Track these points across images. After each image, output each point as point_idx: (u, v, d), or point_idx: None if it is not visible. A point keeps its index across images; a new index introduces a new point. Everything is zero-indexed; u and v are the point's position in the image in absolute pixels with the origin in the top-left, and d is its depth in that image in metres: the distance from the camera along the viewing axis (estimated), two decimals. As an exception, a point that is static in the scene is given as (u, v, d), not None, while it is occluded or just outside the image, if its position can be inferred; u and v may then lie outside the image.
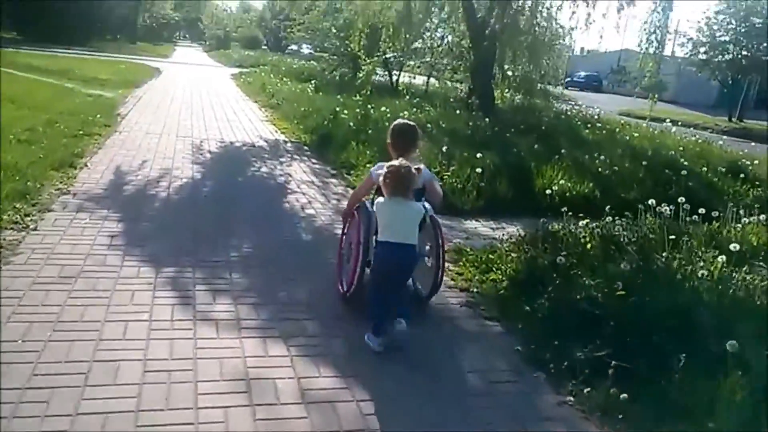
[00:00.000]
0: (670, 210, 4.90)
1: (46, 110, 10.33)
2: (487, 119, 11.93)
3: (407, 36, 13.00)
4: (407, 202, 3.52)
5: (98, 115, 10.27)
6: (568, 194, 7.19)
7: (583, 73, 50.96)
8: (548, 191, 7.01)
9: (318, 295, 4.08)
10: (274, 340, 3.38)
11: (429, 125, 10.32)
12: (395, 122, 4.26)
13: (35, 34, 34.08)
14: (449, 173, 7.29)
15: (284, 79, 20.86)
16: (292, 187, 7.21)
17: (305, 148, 10.09)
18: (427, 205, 3.78)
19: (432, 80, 20.17)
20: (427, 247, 4.03)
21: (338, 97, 15.26)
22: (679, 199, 5.00)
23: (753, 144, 16.07)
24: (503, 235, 5.76)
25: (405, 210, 3.51)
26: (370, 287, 3.67)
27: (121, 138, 8.94)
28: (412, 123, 4.23)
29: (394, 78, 20.92)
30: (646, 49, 12.60)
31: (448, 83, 18.96)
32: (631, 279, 3.84)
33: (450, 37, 14.47)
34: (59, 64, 20.14)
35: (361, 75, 14.46)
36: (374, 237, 3.75)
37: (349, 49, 21.36)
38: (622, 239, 4.65)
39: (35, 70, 18.56)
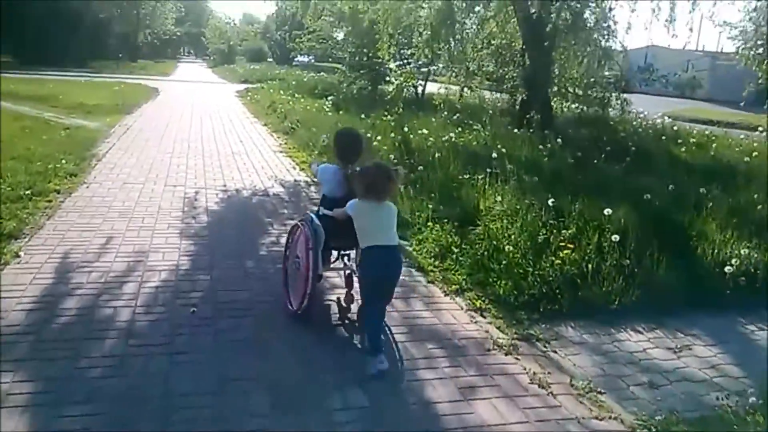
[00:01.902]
0: None
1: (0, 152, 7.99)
2: (559, 140, 9.43)
3: (448, 39, 10.51)
4: (385, 203, 3.44)
5: (64, 160, 7.88)
6: (758, 272, 4.66)
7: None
8: (727, 267, 4.52)
9: None
10: None
11: (494, 157, 7.83)
12: (339, 131, 4.20)
13: (31, 56, 32.19)
14: (572, 245, 4.77)
15: (296, 95, 18.48)
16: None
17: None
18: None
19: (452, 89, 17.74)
20: None
21: (362, 116, 12.85)
22: None
23: None
24: (706, 368, 3.33)
25: (384, 212, 3.44)
26: (364, 301, 3.54)
27: (86, 195, 6.52)
28: (355, 131, 4.24)
29: (419, 89, 18.51)
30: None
31: (486, 93, 16.48)
32: None
33: (497, 39, 11.91)
34: (45, 90, 17.96)
35: (389, 89, 12.00)
36: (319, 249, 3.64)
37: (367, 59, 19.15)
38: None
39: (15, 98, 16.37)
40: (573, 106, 13.50)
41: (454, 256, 5.06)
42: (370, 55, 18.71)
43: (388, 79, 19.36)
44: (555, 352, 3.69)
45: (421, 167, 7.50)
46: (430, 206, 6.09)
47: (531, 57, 11.28)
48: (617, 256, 4.65)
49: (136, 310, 3.77)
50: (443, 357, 3.49)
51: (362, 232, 3.40)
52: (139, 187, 7.09)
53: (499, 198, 6.02)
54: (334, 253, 4.04)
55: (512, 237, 5.08)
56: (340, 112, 13.60)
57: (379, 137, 9.69)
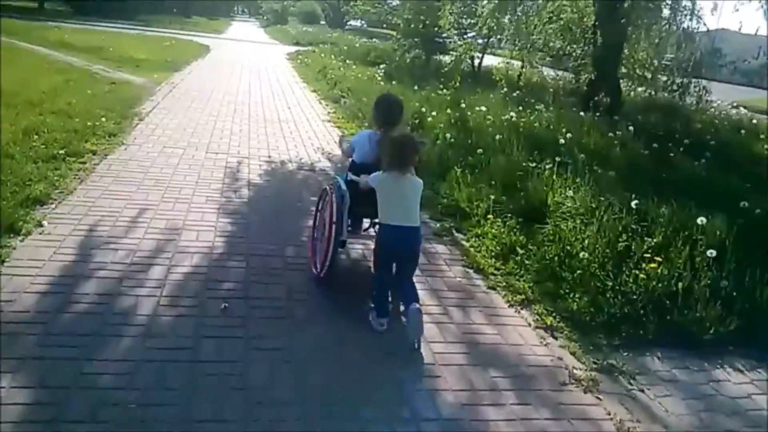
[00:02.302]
0: None
1: (42, 105, 7.72)
2: (630, 128, 8.61)
3: (515, 10, 9.68)
4: (410, 178, 3.34)
5: (105, 118, 7.52)
6: None
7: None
8: None
9: None
10: None
11: (562, 143, 7.11)
12: (381, 96, 4.07)
13: (85, 6, 32.30)
14: (659, 258, 4.10)
15: (347, 61, 17.82)
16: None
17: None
18: None
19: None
20: None
21: (415, 88, 12.17)
22: None
23: None
24: None
25: (408, 187, 3.33)
26: (376, 269, 3.51)
27: (122, 159, 6.13)
28: (396, 97, 4.09)
29: (476, 62, 17.62)
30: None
31: (548, 71, 15.50)
32: None
33: (566, 13, 10.97)
34: (95, 41, 17.78)
35: (446, 61, 11.22)
36: (344, 214, 3.61)
37: (422, 27, 18.29)
38: None
39: (66, 47, 16.31)
40: (639, 89, 12.51)
41: (519, 257, 4.47)
42: (427, 22, 17.90)
43: (444, 49, 18.54)
44: (642, 391, 3.10)
45: (480, 150, 6.85)
46: (491, 196, 5.47)
47: (603, 35, 10.35)
48: (713, 275, 3.98)
49: (161, 302, 3.33)
50: (510, 390, 2.94)
51: (383, 207, 3.33)
52: (180, 152, 6.67)
53: (570, 192, 5.37)
54: (366, 221, 4.04)
55: (587, 241, 4.45)
56: (393, 83, 12.93)
57: (434, 113, 9.04)
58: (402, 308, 3.34)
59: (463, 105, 9.59)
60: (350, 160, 3.89)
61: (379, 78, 14.46)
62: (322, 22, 53.97)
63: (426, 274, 4.19)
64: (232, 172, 6.16)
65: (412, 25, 18.13)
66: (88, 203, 4.72)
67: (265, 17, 55.50)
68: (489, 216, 5.22)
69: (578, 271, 4.09)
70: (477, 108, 9.64)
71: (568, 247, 4.37)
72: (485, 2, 10.55)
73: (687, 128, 9.88)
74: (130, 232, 4.26)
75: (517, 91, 12.12)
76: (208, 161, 6.43)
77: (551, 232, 4.71)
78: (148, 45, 19.30)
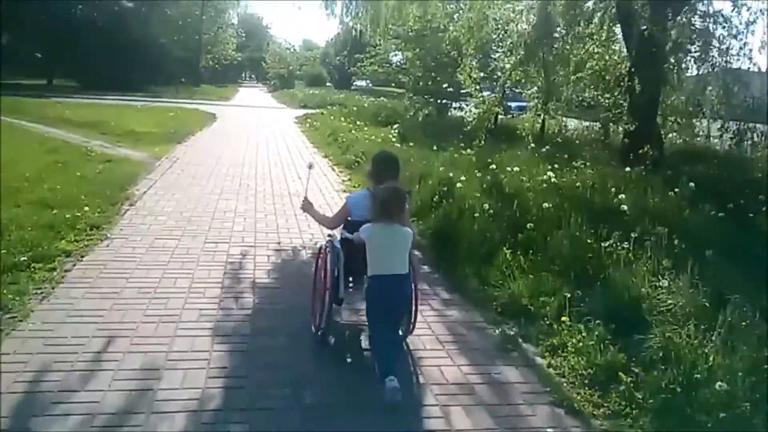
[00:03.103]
0: None
1: (20, 194, 6.78)
2: (691, 184, 7.47)
3: (545, 59, 8.74)
4: (398, 227, 3.33)
5: (89, 207, 6.50)
6: None
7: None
8: None
9: None
10: None
11: (624, 209, 5.99)
12: (377, 153, 4.50)
13: (94, 81, 32.37)
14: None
15: (357, 122, 17.02)
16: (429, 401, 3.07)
17: (416, 254, 5.91)
18: None
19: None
20: None
21: (434, 148, 11.20)
22: None
23: None
24: None
25: (396, 236, 3.33)
26: (370, 327, 3.42)
27: (101, 260, 5.05)
28: (392, 153, 4.40)
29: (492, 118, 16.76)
30: None
31: (570, 122, 14.57)
32: None
33: (597, 60, 10.02)
34: (96, 115, 17.17)
35: (469, 118, 10.27)
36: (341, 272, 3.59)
37: (432, 83, 17.57)
38: None
39: (64, 123, 15.71)
40: (671, 135, 11.45)
41: (624, 387, 3.25)
42: (438, 79, 17.19)
43: (457, 105, 17.77)
44: None
45: (530, 225, 5.72)
46: (563, 290, 4.30)
47: (642, 81, 9.36)
48: None
49: None
50: None
51: (371, 258, 3.32)
52: (173, 245, 5.59)
53: (664, 282, 4.19)
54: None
55: (715, 361, 3.24)
56: (410, 144, 11.96)
57: (462, 177, 7.96)
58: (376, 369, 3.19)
59: (493, 166, 8.53)
60: (348, 219, 3.79)
61: (394, 139, 13.54)
62: (328, 84, 54.37)
63: (499, 419, 2.99)
64: (234, 270, 5.04)
65: (421, 83, 17.42)
66: (44, 333, 3.60)
67: (272, 82, 55.98)
68: (564, 318, 4.04)
69: (719, 413, 2.87)
70: (507, 168, 8.60)
71: (695, 373, 3.16)
72: (508, 54, 9.63)
73: (744, 178, 8.74)
74: (91, 380, 3.11)
75: (546, 147, 11.11)
76: (205, 256, 5.33)
77: (659, 345, 3.50)
78: (151, 117, 18.70)
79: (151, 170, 9.69)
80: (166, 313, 4.01)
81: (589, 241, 5.23)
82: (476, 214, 6.30)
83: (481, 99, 9.82)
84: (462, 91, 18.23)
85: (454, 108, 17.63)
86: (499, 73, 10.29)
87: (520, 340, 4.00)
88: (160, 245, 5.54)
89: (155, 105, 24.00)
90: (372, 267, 3.31)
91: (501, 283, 4.81)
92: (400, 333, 3.60)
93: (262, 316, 4.14)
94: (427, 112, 17.00)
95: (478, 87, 10.45)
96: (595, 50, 9.67)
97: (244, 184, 8.97)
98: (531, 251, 5.26)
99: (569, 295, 4.23)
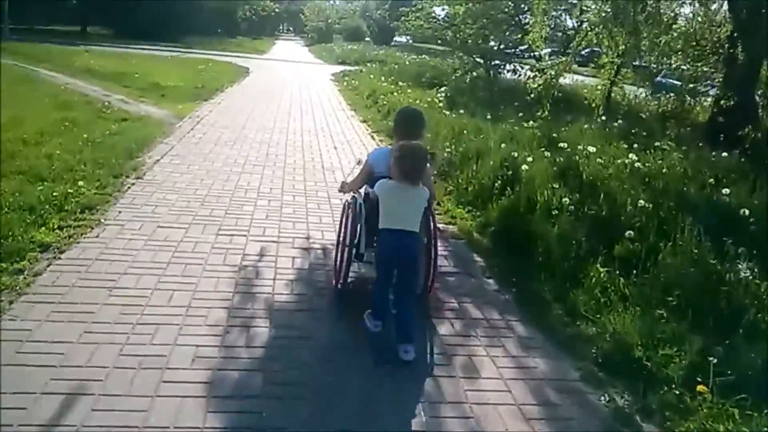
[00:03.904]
0: None
1: (12, 160, 5.81)
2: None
3: (634, 22, 7.26)
4: (414, 187, 3.28)
5: (84, 181, 5.47)
6: None
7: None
8: None
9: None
10: None
11: (746, 213, 4.68)
12: (401, 108, 4.45)
13: (127, 29, 31.46)
14: None
15: (399, 83, 15.62)
16: None
17: (476, 260, 4.75)
18: None
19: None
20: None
21: (488, 117, 9.87)
22: None
23: None
24: None
25: (410, 195, 3.28)
26: (377, 277, 3.39)
27: (84, 258, 3.99)
28: (418, 109, 4.30)
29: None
30: None
31: (631, 91, 12.93)
32: None
33: (692, 25, 8.45)
34: (123, 66, 16.21)
35: (533, 84, 8.86)
36: (363, 227, 3.57)
37: (483, 41, 16.01)
38: None
39: (89, 74, 14.81)
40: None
41: None
42: (491, 37, 15.63)
43: (510, 67, 16.21)
44: None
45: (629, 233, 4.46)
46: (695, 341, 3.10)
47: (746, 48, 7.82)
48: None
49: None
50: None
51: (383, 212, 3.28)
52: (178, 237, 4.52)
53: None
54: None
55: None
56: (460, 111, 10.60)
57: (528, 157, 6.66)
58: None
59: (563, 144, 7.20)
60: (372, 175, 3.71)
61: (440, 103, 12.18)
62: (367, 39, 52.36)
63: None
64: (249, 279, 3.95)
65: (470, 41, 15.83)
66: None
67: (309, 35, 54.25)
68: (701, 388, 2.85)
69: None
70: (579, 147, 7.26)
71: None
72: (589, 10, 8.16)
73: None
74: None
75: (618, 120, 9.67)
76: (215, 256, 4.24)
77: None
78: (181, 69, 17.64)
79: (170, 132, 8.63)
80: (149, 354, 2.94)
81: (712, 261, 3.97)
82: (553, 210, 5.06)
83: (549, 63, 8.38)
84: (515, 51, 16.75)
85: (507, 71, 16.06)
86: (571, 33, 8.83)
87: (637, 417, 2.83)
88: (161, 238, 4.47)
89: (186, 56, 22.94)
90: (383, 220, 3.28)
91: (597, 317, 3.63)
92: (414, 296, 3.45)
93: (278, 361, 3.04)
94: (476, 74, 15.49)
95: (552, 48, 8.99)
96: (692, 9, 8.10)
97: (272, 154, 7.84)
98: (633, 270, 4.02)
99: (701, 347, 3.04)
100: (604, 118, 9.70)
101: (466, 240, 5.13)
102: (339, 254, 3.76)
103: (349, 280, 3.72)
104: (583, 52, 14.52)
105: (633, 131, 9.25)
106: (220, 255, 4.26)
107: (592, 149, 7.00)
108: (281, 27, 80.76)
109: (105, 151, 6.71)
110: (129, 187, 5.68)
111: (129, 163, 6.46)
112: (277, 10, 58.92)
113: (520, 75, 16.16)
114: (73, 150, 6.56)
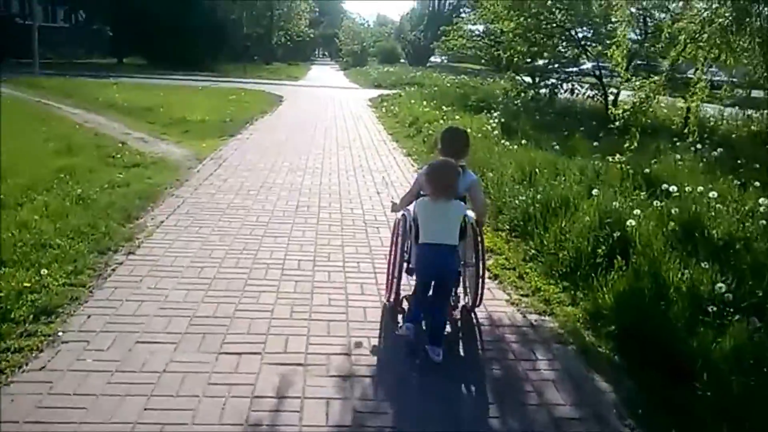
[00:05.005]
0: None
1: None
2: None
3: (764, 23, 5.64)
4: (448, 201, 3.39)
5: (60, 261, 4.15)
6: None
7: None
8: None
9: None
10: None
11: None
12: (446, 128, 4.58)
13: (162, 59, 31.08)
14: None
15: (443, 107, 14.17)
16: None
17: (601, 386, 3.17)
18: (469, 212, 3.61)
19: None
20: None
21: (555, 147, 8.37)
22: None
23: None
24: None
25: (444, 209, 3.38)
26: (415, 287, 3.55)
27: (23, 406, 2.59)
28: (462, 128, 4.57)
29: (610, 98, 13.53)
30: None
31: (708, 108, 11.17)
32: None
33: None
34: (149, 100, 15.28)
35: (617, 111, 7.25)
36: (413, 243, 3.65)
37: (531, 60, 14.51)
38: None
39: (111, 109, 13.83)
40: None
41: None
42: (544, 54, 14.08)
43: (568, 87, 14.59)
44: None
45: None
46: None
47: None
48: None
49: None
50: None
51: (421, 227, 3.42)
52: (162, 358, 3.11)
53: None
54: None
55: None
56: (522, 140, 9.04)
57: (635, 208, 5.05)
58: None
59: (673, 188, 5.57)
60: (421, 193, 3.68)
61: (494, 131, 10.66)
62: (402, 61, 51.32)
63: None
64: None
65: (518, 59, 14.27)
66: None
67: (344, 59, 53.58)
68: None
69: None
70: (686, 187, 5.65)
71: None
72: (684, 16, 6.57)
73: None
74: None
75: (719, 148, 7.99)
76: (211, 404, 2.79)
77: None
78: (210, 100, 16.62)
79: (185, 180, 7.35)
80: None
81: None
82: (709, 306, 3.44)
83: (639, 83, 6.78)
84: (571, 69, 15.14)
85: (565, 90, 14.45)
86: (662, 45, 7.23)
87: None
88: (136, 365, 3.06)
89: (218, 85, 22.03)
90: (421, 236, 3.39)
91: None
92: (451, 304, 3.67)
93: None
94: (530, 95, 13.93)
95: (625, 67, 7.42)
96: None
97: (302, 206, 6.44)
98: None
99: None
100: (699, 146, 8.06)
101: (576, 345, 3.56)
102: (390, 270, 3.83)
103: (401, 295, 3.78)
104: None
105: (739, 161, 7.63)
106: (218, 401, 2.80)
107: (702, 191, 5.40)
108: (317, 52, 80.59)
109: (97, 213, 5.41)
110: (114, 270, 4.32)
111: (123, 231, 5.12)
112: (312, 35, 58.35)
113: (578, 94, 14.58)
114: (58, 213, 5.27)
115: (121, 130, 11.28)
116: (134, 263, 4.47)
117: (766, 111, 10.02)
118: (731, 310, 3.34)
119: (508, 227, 5.74)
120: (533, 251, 5.05)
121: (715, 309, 3.34)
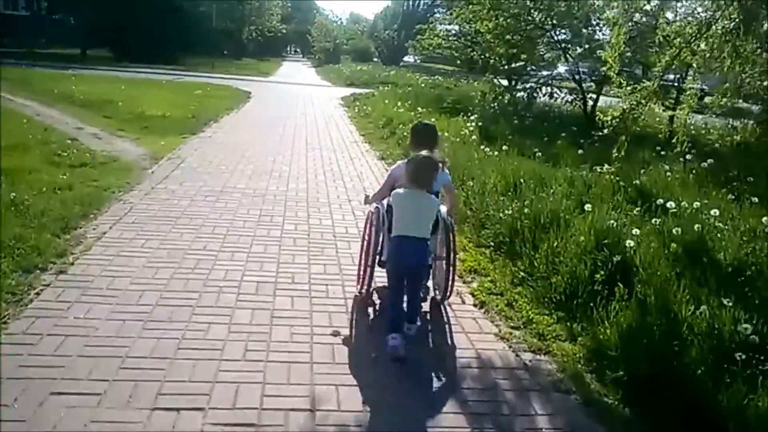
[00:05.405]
0: None
1: None
2: None
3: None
4: (424, 194, 3.43)
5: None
6: None
7: None
8: None
9: None
10: None
11: None
12: (416, 123, 4.92)
13: (128, 51, 29.83)
14: None
15: (418, 108, 13.65)
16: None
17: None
18: (442, 207, 3.71)
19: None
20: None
21: (538, 153, 7.95)
22: None
23: None
24: None
25: (420, 202, 3.42)
26: (388, 284, 3.57)
27: None
28: (431, 123, 4.82)
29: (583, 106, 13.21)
30: None
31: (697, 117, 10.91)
32: None
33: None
34: (109, 93, 14.43)
35: (606, 118, 6.83)
36: (385, 236, 3.71)
37: (510, 61, 14.09)
38: None
39: (66, 102, 12.98)
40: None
41: None
42: (522, 56, 13.67)
43: (547, 90, 14.21)
44: None
45: None
46: None
47: None
48: None
49: None
50: None
51: (395, 219, 3.44)
52: (77, 425, 2.48)
53: None
54: None
55: None
56: (502, 146, 8.56)
57: (633, 227, 4.59)
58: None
59: (670, 204, 5.14)
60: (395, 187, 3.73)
61: (473, 135, 10.20)
62: (376, 60, 50.72)
63: None
64: None
65: (495, 61, 13.83)
66: None
67: (317, 56, 52.75)
68: None
69: None
70: (683, 203, 5.26)
71: None
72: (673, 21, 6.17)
73: None
74: None
75: (709, 159, 7.63)
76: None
77: None
78: (174, 95, 15.83)
79: (137, 183, 6.66)
80: None
81: None
82: (735, 352, 2.96)
83: (631, 89, 6.34)
84: (548, 72, 14.79)
85: (544, 94, 14.06)
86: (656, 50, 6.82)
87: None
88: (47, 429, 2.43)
89: (184, 80, 21.17)
90: (394, 228, 3.42)
91: None
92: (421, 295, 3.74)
93: None
94: (508, 98, 13.50)
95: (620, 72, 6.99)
96: None
97: (265, 215, 5.83)
98: None
99: None
100: (690, 156, 7.70)
101: (579, 395, 3.05)
102: (362, 261, 3.84)
103: (372, 287, 3.86)
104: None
105: (729, 173, 7.31)
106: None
107: (714, 212, 4.98)
108: (288, 48, 79.40)
109: (28, 222, 4.72)
110: (38, 294, 3.66)
111: (56, 244, 4.45)
112: (284, 31, 57.32)
113: (557, 98, 14.22)
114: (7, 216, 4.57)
115: (74, 125, 10.48)
116: (63, 285, 3.81)
117: (751, 121, 9.74)
118: (761, 357, 2.86)
119: (492, 244, 5.22)
120: (522, 273, 4.54)
121: (743, 357, 2.85)
